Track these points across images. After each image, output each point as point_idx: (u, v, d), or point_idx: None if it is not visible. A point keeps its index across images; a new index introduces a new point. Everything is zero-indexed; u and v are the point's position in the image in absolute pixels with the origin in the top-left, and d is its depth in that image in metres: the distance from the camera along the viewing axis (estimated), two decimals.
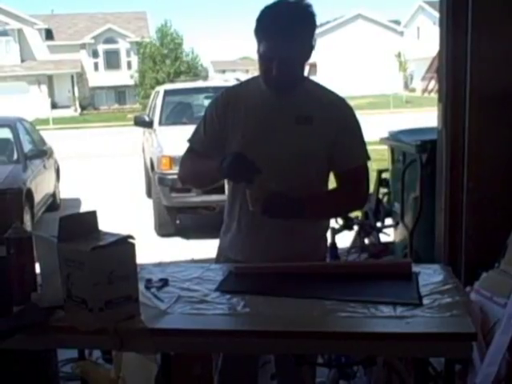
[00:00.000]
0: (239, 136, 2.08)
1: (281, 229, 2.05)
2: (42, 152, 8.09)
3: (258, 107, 2.09)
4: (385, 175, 4.90)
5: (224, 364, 2.20)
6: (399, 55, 40.35)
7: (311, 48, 2.03)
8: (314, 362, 2.35)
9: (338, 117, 2.09)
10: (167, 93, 8.64)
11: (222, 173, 2.00)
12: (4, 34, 36.79)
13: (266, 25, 1.97)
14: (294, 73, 2.03)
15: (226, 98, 2.16)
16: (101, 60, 40.21)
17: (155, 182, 6.98)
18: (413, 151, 3.89)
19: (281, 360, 2.29)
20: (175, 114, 8.45)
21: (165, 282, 1.98)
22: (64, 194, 9.32)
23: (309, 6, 1.98)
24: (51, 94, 36.98)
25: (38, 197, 7.17)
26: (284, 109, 2.07)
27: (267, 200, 1.95)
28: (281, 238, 2.09)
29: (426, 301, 1.76)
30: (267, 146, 2.05)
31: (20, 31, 37.19)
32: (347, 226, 3.96)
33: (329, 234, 2.65)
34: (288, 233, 2.08)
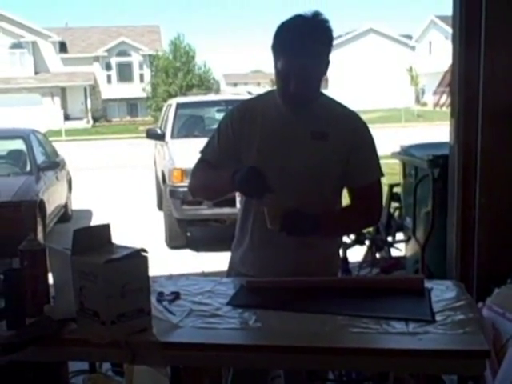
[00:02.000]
0: (254, 150, 2.08)
1: (294, 245, 2.05)
2: (55, 163, 8.14)
3: (274, 122, 2.09)
4: (396, 190, 4.89)
5: (234, 378, 2.19)
6: (411, 69, 40.38)
7: (327, 63, 2.03)
8: (324, 377, 2.34)
9: (352, 132, 2.10)
10: (179, 106, 8.69)
11: (234, 185, 2.01)
12: (18, 46, 37.21)
13: (284, 41, 1.97)
14: (311, 89, 2.03)
15: (242, 111, 2.16)
16: (114, 72, 40.51)
17: (166, 195, 7.00)
18: (425, 166, 3.88)
19: (290, 375, 2.28)
20: (187, 127, 8.49)
21: (176, 296, 1.98)
22: (76, 205, 9.37)
23: (326, 22, 1.99)
24: (64, 105, 37.29)
25: (50, 208, 7.20)
26: (300, 124, 2.07)
27: (285, 218, 1.95)
28: (294, 254, 2.08)
29: (438, 317, 1.75)
30: (283, 160, 2.06)
31: (34, 44, 37.60)
32: (359, 240, 3.96)
33: (340, 249, 2.65)
34: (301, 249, 2.07)
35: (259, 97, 2.30)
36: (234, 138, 2.12)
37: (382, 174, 2.15)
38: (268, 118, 2.10)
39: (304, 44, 1.94)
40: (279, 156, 2.06)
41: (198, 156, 2.25)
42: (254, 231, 2.14)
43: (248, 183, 1.96)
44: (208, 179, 2.20)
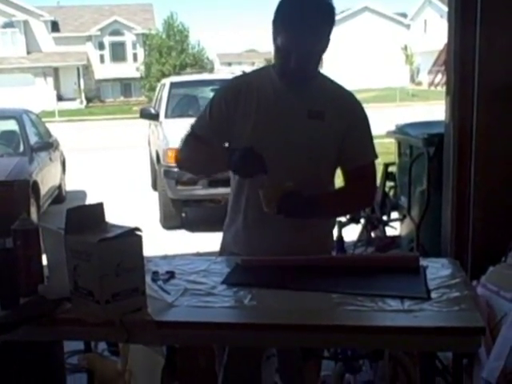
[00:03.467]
0: (249, 127, 2.04)
1: (288, 225, 2.03)
2: (48, 144, 8.09)
3: (270, 99, 2.06)
4: (391, 169, 4.88)
5: (229, 358, 2.19)
6: (406, 48, 40.23)
7: (328, 41, 2.00)
8: (320, 355, 2.35)
9: (348, 112, 2.08)
10: (173, 85, 8.63)
11: (230, 166, 1.98)
12: (10, 25, 36.84)
13: (285, 16, 1.94)
14: (311, 65, 2.01)
15: (237, 85, 2.13)
16: (107, 52, 40.19)
17: (161, 175, 6.98)
18: (420, 145, 3.87)
19: (284, 353, 2.28)
20: (181, 106, 8.44)
21: (171, 275, 1.98)
22: (70, 186, 9.34)
23: None
24: (57, 86, 37.02)
25: (43, 189, 7.18)
26: (296, 102, 2.05)
27: (282, 201, 1.93)
28: (287, 234, 2.07)
29: (434, 295, 1.75)
30: (279, 139, 2.03)
31: (26, 23, 37.21)
32: (354, 219, 3.96)
33: (336, 228, 2.65)
34: (295, 229, 2.06)
35: (254, 72, 2.27)
36: (227, 110, 2.07)
37: (376, 156, 2.14)
38: (264, 94, 2.07)
39: (305, 19, 1.91)
40: (275, 134, 2.04)
41: None
42: (247, 210, 2.11)
43: (244, 164, 1.93)
44: (198, 155, 2.15)
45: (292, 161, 2.03)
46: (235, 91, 2.09)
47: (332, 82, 2.15)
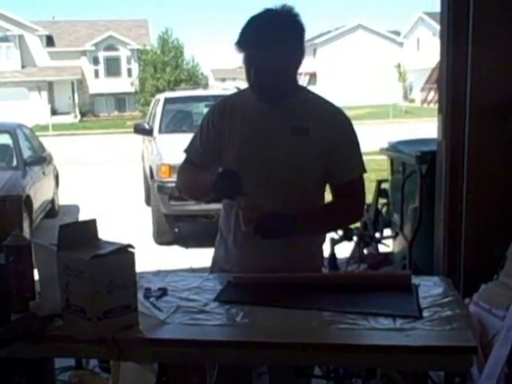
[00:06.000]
0: (235, 147, 2.07)
1: (276, 242, 2.03)
2: (42, 158, 8.08)
3: (254, 117, 2.08)
4: (384, 186, 4.90)
5: (218, 375, 2.18)
6: (399, 66, 40.56)
7: (299, 57, 2.01)
8: (311, 373, 2.34)
9: (334, 128, 2.08)
10: (167, 101, 8.65)
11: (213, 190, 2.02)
12: (5, 39, 36.86)
13: (243, 34, 1.97)
14: (278, 82, 1.99)
15: (222, 106, 2.16)
16: (101, 67, 40.27)
17: (154, 190, 6.98)
18: (412, 162, 3.89)
19: (275, 371, 2.27)
20: (175, 122, 8.45)
21: (164, 292, 1.97)
22: (63, 200, 9.31)
23: (293, 16, 1.98)
24: (51, 100, 37.02)
25: (36, 203, 7.15)
26: (280, 119, 2.06)
27: (259, 221, 1.95)
28: (276, 252, 2.07)
29: (426, 313, 1.75)
30: (264, 156, 2.05)
31: (21, 37, 37.27)
32: (347, 236, 3.97)
33: (328, 245, 2.64)
34: (283, 246, 2.05)
35: (240, 92, 2.29)
36: (214, 135, 2.12)
37: (364, 171, 2.13)
38: (248, 113, 2.09)
39: (261, 35, 1.93)
40: (260, 152, 2.05)
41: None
42: (236, 228, 2.12)
43: (221, 186, 1.96)
44: (191, 182, 2.21)
45: (278, 178, 2.04)
46: (221, 113, 2.13)
47: (320, 98, 2.15)
